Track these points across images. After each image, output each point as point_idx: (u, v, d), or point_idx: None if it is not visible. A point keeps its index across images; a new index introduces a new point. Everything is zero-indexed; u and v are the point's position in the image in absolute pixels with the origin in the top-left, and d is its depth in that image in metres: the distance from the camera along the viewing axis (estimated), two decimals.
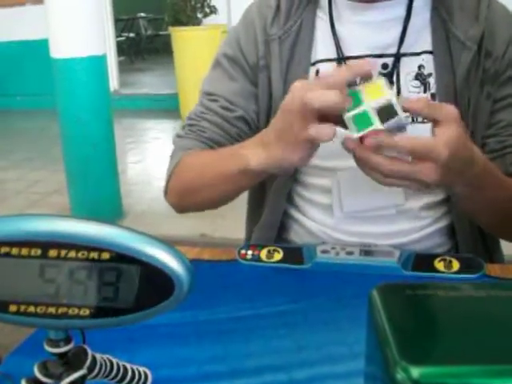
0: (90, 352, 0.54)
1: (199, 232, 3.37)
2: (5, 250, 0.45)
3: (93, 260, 0.45)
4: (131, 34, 11.35)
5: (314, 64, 1.07)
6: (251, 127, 1.12)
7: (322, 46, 1.07)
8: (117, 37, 8.51)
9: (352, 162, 1.01)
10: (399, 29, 1.03)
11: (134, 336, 0.79)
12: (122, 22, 10.99)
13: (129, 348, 0.76)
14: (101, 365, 0.57)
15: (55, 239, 0.45)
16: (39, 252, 0.45)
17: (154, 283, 0.46)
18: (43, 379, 0.50)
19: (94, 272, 0.46)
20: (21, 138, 6.29)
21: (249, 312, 0.86)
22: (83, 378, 0.51)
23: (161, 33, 10.88)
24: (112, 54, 7.37)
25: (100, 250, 0.45)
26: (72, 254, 0.45)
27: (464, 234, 1.08)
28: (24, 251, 0.45)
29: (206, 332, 0.82)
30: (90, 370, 0.54)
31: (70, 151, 3.64)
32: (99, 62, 3.57)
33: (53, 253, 0.45)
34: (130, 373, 0.64)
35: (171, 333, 0.81)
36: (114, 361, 0.61)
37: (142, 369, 0.67)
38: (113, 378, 0.61)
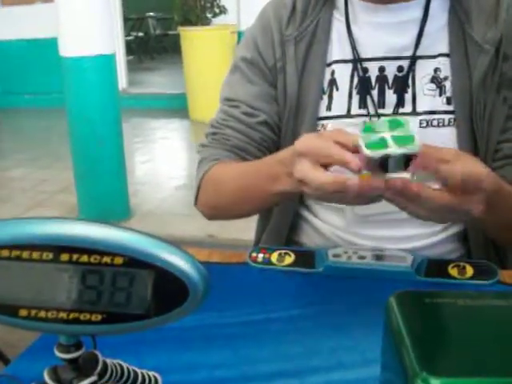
0: (100, 358, 0.53)
1: (206, 233, 3.36)
2: (15, 253, 0.44)
3: (105, 264, 0.44)
4: (140, 34, 11.35)
5: (329, 65, 1.06)
6: (274, 130, 1.11)
7: (338, 47, 1.06)
8: (125, 36, 8.52)
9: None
10: (415, 31, 1.02)
11: (144, 339, 0.77)
12: (131, 21, 10.99)
13: (138, 351, 0.75)
14: (111, 370, 0.56)
15: (67, 243, 0.44)
16: (51, 256, 0.44)
17: (168, 289, 0.45)
18: None
19: (106, 277, 0.45)
20: (28, 137, 6.30)
21: (259, 316, 0.85)
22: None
23: (170, 32, 10.87)
24: (121, 53, 7.37)
25: (113, 255, 0.44)
26: (84, 258, 0.44)
27: (477, 240, 1.07)
28: (35, 255, 0.44)
29: (216, 336, 0.81)
30: (101, 375, 0.53)
31: (77, 150, 3.64)
32: (108, 60, 3.57)
33: (64, 257, 0.44)
34: (140, 378, 0.62)
35: (181, 336, 0.80)
36: (125, 366, 0.60)
37: (151, 373, 0.66)
38: (124, 383, 0.60)
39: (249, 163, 1.06)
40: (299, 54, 1.06)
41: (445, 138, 1.01)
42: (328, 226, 1.10)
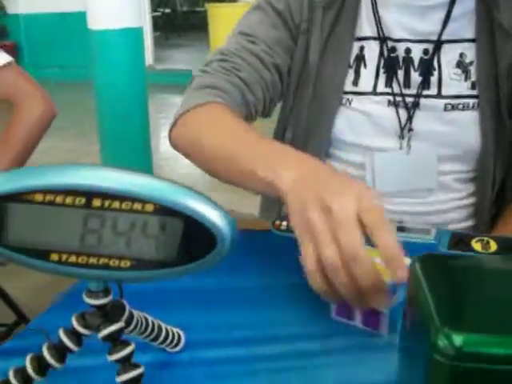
0: (127, 306, 0.54)
1: (228, 207, 3.37)
2: (49, 198, 0.45)
3: (136, 211, 0.45)
4: (167, 10, 11.34)
5: (359, 40, 1.06)
6: (282, 81, 1.09)
7: (367, 23, 1.06)
8: (152, 12, 8.50)
9: (384, 142, 1.06)
10: (442, 15, 1.02)
11: (169, 300, 0.79)
12: None
13: (162, 310, 0.76)
14: (137, 320, 0.57)
15: (100, 189, 0.45)
16: (83, 201, 0.45)
17: (197, 237, 0.46)
18: (81, 330, 0.51)
19: (136, 223, 0.46)
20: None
21: (283, 281, 0.86)
22: (120, 330, 0.51)
23: (197, 9, 10.85)
24: (148, 28, 7.37)
25: (144, 202, 0.45)
26: (116, 204, 0.45)
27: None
28: (68, 200, 0.45)
29: (240, 299, 0.82)
30: (128, 323, 0.54)
31: (104, 123, 3.67)
32: (135, 34, 3.58)
33: (96, 202, 0.45)
34: (164, 332, 0.64)
35: (205, 298, 0.81)
36: (150, 318, 0.61)
37: (175, 329, 0.67)
38: (148, 335, 0.61)
39: (252, 135, 0.86)
40: (326, 21, 1.05)
41: (468, 120, 1.03)
42: None
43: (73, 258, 0.47)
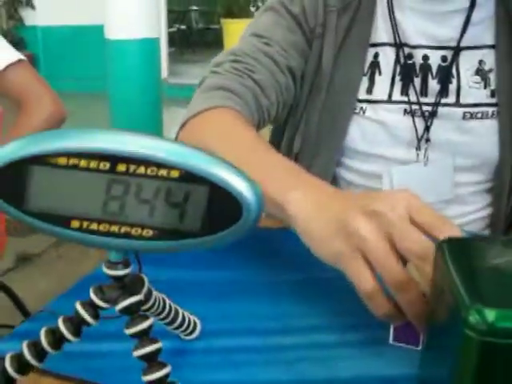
0: (146, 281, 0.53)
1: None
2: (73, 161, 0.44)
3: (161, 177, 0.44)
4: (182, 26, 11.42)
5: (372, 46, 1.04)
6: (296, 85, 1.06)
7: (383, 29, 1.04)
8: (168, 27, 8.58)
9: (399, 152, 1.04)
10: (461, 21, 1.00)
11: (184, 292, 0.77)
12: (174, 14, 11.07)
13: (178, 299, 0.75)
14: (155, 299, 0.56)
15: (125, 154, 0.44)
16: (108, 166, 0.44)
17: (222, 207, 0.44)
18: (98, 302, 0.49)
19: (161, 191, 0.44)
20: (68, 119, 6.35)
21: (300, 276, 0.84)
22: (139, 304, 0.49)
23: (212, 26, 10.93)
24: (163, 43, 7.42)
25: (170, 168, 0.44)
26: (141, 169, 0.44)
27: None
28: (93, 164, 0.44)
29: (256, 292, 0.80)
30: (146, 299, 0.53)
31: None
32: (152, 44, 3.60)
33: (121, 167, 0.44)
34: (180, 316, 0.63)
35: (220, 290, 0.80)
36: (168, 301, 0.60)
37: (192, 316, 0.66)
38: (164, 318, 0.60)
39: (262, 147, 0.80)
40: (340, 26, 1.02)
41: (486, 129, 1.01)
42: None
43: (94, 226, 0.46)
